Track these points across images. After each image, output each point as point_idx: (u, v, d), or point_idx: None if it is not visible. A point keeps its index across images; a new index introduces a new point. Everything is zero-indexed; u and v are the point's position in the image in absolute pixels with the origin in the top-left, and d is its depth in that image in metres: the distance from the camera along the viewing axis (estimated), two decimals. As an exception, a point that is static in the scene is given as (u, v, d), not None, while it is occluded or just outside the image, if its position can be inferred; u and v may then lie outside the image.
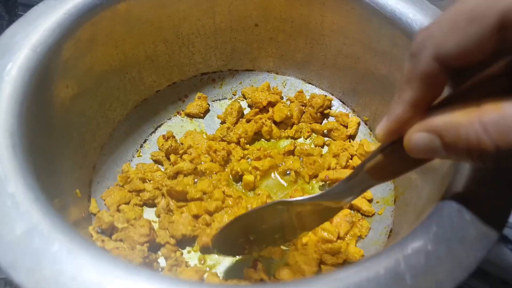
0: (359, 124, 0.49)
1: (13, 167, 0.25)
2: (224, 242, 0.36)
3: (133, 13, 0.41)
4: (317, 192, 0.43)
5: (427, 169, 0.37)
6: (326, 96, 0.50)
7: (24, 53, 0.32)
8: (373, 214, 0.42)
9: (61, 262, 0.22)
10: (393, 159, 0.24)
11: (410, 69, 0.21)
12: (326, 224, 0.41)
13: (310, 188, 0.45)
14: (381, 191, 0.44)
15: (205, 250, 0.40)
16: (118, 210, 0.41)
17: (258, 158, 0.46)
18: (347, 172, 0.44)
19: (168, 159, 0.46)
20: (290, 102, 0.51)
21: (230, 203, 0.42)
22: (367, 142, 0.46)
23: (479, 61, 0.19)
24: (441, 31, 0.19)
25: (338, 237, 0.41)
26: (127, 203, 0.43)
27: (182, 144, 0.47)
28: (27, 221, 0.23)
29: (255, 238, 0.36)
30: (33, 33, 0.33)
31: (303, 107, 0.50)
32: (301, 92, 0.51)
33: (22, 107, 0.29)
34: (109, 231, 0.39)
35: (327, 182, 0.44)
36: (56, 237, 0.23)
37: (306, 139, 0.49)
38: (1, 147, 0.26)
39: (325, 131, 0.48)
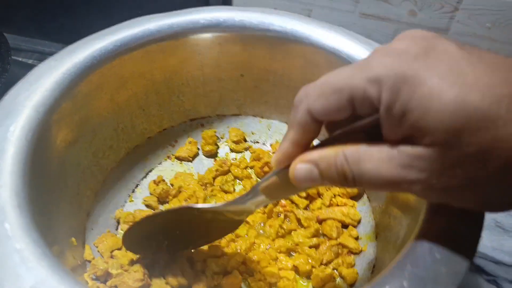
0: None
1: (20, 225, 0.27)
2: (133, 239, 0.39)
3: (127, 68, 0.44)
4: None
5: (404, 209, 0.40)
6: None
7: (26, 113, 0.34)
8: (360, 251, 0.45)
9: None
10: (283, 181, 0.29)
11: (292, 117, 0.27)
12: (312, 251, 0.43)
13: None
14: (363, 228, 0.47)
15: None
16: (112, 256, 0.43)
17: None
18: (336, 211, 0.46)
19: (160, 203, 0.48)
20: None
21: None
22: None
23: (343, 119, 0.25)
24: (314, 93, 0.25)
25: (321, 264, 0.43)
26: (119, 249, 0.44)
27: (172, 185, 0.50)
28: (35, 276, 0.25)
29: (164, 238, 0.39)
30: (35, 93, 0.36)
31: None
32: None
33: (25, 166, 0.31)
34: (104, 277, 0.40)
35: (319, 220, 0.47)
36: (63, 291, 0.24)
37: None
38: (9, 208, 0.28)
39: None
